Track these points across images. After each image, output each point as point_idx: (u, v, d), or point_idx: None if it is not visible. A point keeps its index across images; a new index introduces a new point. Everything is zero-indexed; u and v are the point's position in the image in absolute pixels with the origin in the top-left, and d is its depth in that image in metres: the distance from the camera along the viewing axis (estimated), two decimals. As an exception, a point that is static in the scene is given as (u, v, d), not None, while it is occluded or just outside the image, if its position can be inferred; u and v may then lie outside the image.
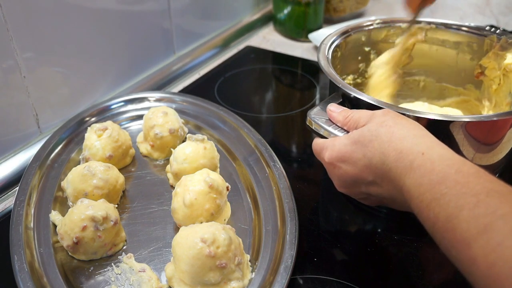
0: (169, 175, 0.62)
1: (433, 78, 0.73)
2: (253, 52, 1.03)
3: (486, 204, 0.34)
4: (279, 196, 0.57)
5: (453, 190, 0.36)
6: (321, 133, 0.52)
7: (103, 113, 0.73)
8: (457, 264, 0.35)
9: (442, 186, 0.37)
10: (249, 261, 0.50)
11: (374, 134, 0.45)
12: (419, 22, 0.70)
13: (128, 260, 0.51)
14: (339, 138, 0.49)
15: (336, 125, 0.52)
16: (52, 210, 0.56)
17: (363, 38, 0.70)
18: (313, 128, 0.53)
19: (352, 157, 0.46)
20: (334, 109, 0.53)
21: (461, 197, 0.35)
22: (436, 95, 0.73)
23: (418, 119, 0.49)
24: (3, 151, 0.66)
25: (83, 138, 0.64)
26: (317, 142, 0.52)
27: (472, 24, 0.68)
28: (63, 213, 0.54)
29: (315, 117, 0.53)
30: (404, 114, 0.49)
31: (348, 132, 0.50)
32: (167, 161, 0.66)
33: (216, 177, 0.54)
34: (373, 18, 0.73)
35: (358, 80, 0.73)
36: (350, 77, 0.72)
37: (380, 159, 0.43)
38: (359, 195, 0.50)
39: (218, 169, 0.63)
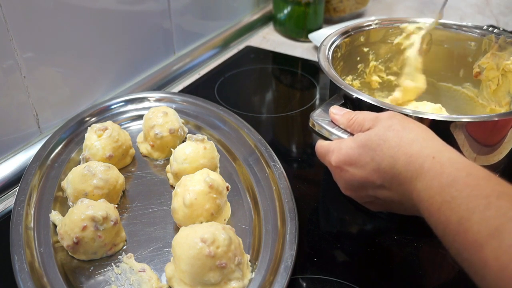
0: (169, 175, 0.62)
1: (431, 78, 0.73)
2: (253, 52, 1.03)
3: (497, 206, 0.34)
4: (279, 196, 0.57)
5: (463, 192, 0.36)
6: (324, 134, 0.52)
7: (103, 113, 0.73)
8: (468, 268, 0.35)
9: (452, 189, 0.37)
10: (249, 261, 0.50)
11: (382, 138, 0.44)
12: (417, 22, 0.70)
13: (128, 260, 0.51)
14: (345, 140, 0.48)
15: (340, 127, 0.52)
16: (52, 210, 0.56)
17: (362, 39, 0.70)
18: (315, 129, 0.53)
19: (360, 161, 0.46)
20: (337, 111, 0.52)
21: (472, 199, 0.35)
22: (434, 95, 0.73)
23: (419, 120, 0.49)
24: (3, 151, 0.66)
25: (83, 138, 0.64)
26: (321, 145, 0.51)
27: (470, 24, 0.68)
28: (63, 213, 0.54)
29: (318, 118, 0.53)
30: (405, 115, 0.49)
31: (351, 134, 0.50)
32: (167, 161, 0.66)
33: (216, 177, 0.54)
34: (372, 18, 0.73)
35: (357, 81, 0.73)
36: (349, 77, 0.72)
37: (389, 163, 0.43)
38: (365, 199, 0.50)
39: (218, 169, 0.63)
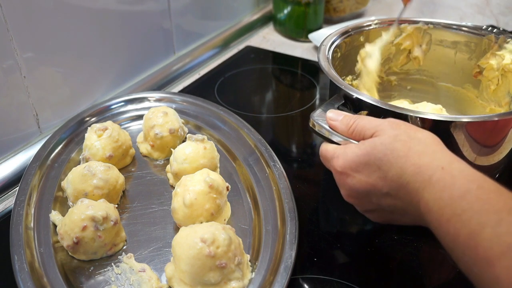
0: (169, 175, 0.62)
1: (431, 78, 0.73)
2: (253, 52, 1.03)
3: (509, 222, 0.34)
4: (279, 196, 0.57)
5: (474, 206, 0.36)
6: (324, 134, 0.52)
7: (103, 113, 0.73)
8: (478, 282, 0.35)
9: (463, 202, 0.37)
10: (249, 261, 0.50)
11: (388, 148, 0.44)
12: (417, 22, 0.70)
13: (128, 260, 0.51)
14: (350, 146, 0.48)
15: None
16: (52, 210, 0.56)
17: (362, 39, 0.70)
18: (316, 130, 0.53)
19: (366, 168, 0.45)
20: (334, 116, 0.51)
21: (483, 214, 0.35)
22: (434, 95, 0.74)
23: (420, 120, 0.49)
24: (3, 151, 0.66)
25: (83, 138, 0.64)
26: (326, 149, 0.50)
27: (470, 24, 0.68)
28: (63, 213, 0.54)
29: (318, 119, 0.53)
30: (405, 115, 0.49)
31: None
32: (167, 161, 0.66)
33: (216, 177, 0.54)
34: (372, 18, 0.73)
35: (357, 81, 0.73)
36: (349, 77, 0.72)
37: (396, 172, 0.43)
38: (367, 207, 0.50)
39: (218, 169, 0.63)
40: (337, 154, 0.48)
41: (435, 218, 0.39)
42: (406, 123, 0.47)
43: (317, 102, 0.85)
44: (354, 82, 0.72)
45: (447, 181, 0.39)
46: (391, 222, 0.50)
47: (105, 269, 0.50)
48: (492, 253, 0.33)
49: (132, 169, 0.65)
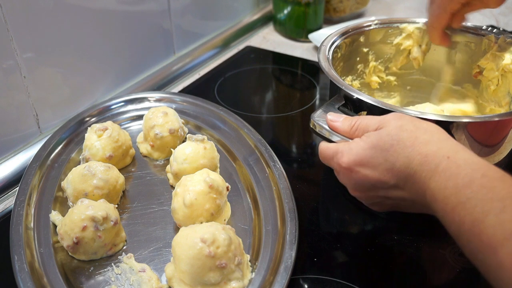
0: (169, 175, 0.62)
1: (431, 78, 0.73)
2: (253, 52, 1.03)
3: None
4: (279, 196, 0.57)
5: (478, 194, 0.36)
6: (325, 135, 0.52)
7: (103, 113, 0.73)
8: (483, 268, 0.35)
9: (467, 190, 0.37)
10: (249, 261, 0.50)
11: (395, 138, 0.44)
12: (417, 22, 0.70)
13: (128, 260, 0.51)
14: (354, 141, 0.48)
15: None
16: (52, 210, 0.56)
17: (362, 39, 0.70)
18: (316, 130, 0.53)
19: (373, 161, 0.45)
20: (335, 118, 0.51)
21: (487, 202, 0.35)
22: (434, 95, 0.73)
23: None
24: (3, 151, 0.66)
25: (83, 138, 0.64)
26: (327, 147, 0.50)
27: (470, 24, 0.68)
28: (63, 213, 0.54)
29: (319, 119, 0.53)
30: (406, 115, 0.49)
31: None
32: (167, 161, 0.66)
33: (216, 177, 0.54)
34: (372, 18, 0.73)
35: (357, 81, 0.73)
36: (349, 78, 0.72)
37: (403, 163, 0.43)
38: (374, 200, 0.49)
39: (218, 169, 0.63)
40: (341, 150, 0.48)
41: (441, 207, 0.39)
42: (408, 115, 0.47)
43: (317, 102, 0.85)
44: (354, 83, 0.72)
45: (453, 171, 0.39)
46: (399, 210, 0.50)
47: (105, 269, 0.50)
48: (495, 239, 0.34)
49: (132, 169, 0.65)
